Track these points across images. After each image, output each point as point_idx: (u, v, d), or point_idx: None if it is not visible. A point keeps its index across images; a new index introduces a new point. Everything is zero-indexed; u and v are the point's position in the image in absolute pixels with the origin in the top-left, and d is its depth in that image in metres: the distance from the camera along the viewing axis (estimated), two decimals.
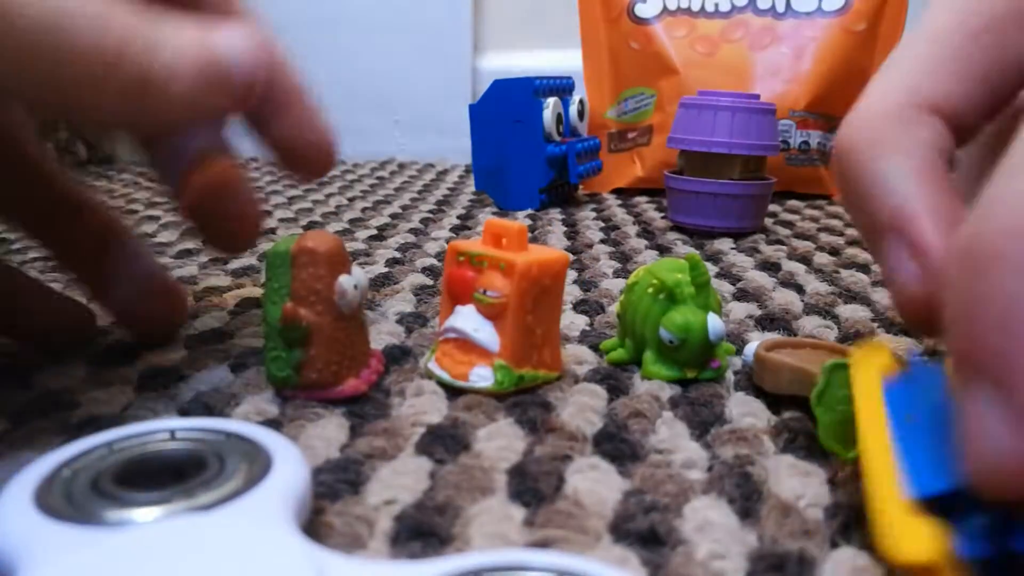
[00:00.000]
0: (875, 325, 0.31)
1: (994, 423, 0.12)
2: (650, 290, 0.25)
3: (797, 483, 0.19)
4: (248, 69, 0.20)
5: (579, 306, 0.33)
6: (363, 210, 0.57)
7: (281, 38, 0.23)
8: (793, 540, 0.17)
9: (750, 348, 0.25)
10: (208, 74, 0.19)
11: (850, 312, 0.32)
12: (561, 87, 0.60)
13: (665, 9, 0.67)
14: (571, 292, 0.35)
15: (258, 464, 0.16)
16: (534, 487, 0.19)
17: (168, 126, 0.21)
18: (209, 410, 0.23)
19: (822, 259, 0.43)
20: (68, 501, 0.15)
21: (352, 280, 0.23)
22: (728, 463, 0.20)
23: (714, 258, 0.43)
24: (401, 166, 0.84)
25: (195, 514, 0.14)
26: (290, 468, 0.16)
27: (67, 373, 0.25)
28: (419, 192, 0.66)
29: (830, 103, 0.63)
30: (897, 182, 0.16)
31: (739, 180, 0.47)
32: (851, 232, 0.51)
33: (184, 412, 0.23)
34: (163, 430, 0.17)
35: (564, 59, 0.83)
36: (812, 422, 0.20)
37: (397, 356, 0.27)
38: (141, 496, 0.15)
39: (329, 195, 0.64)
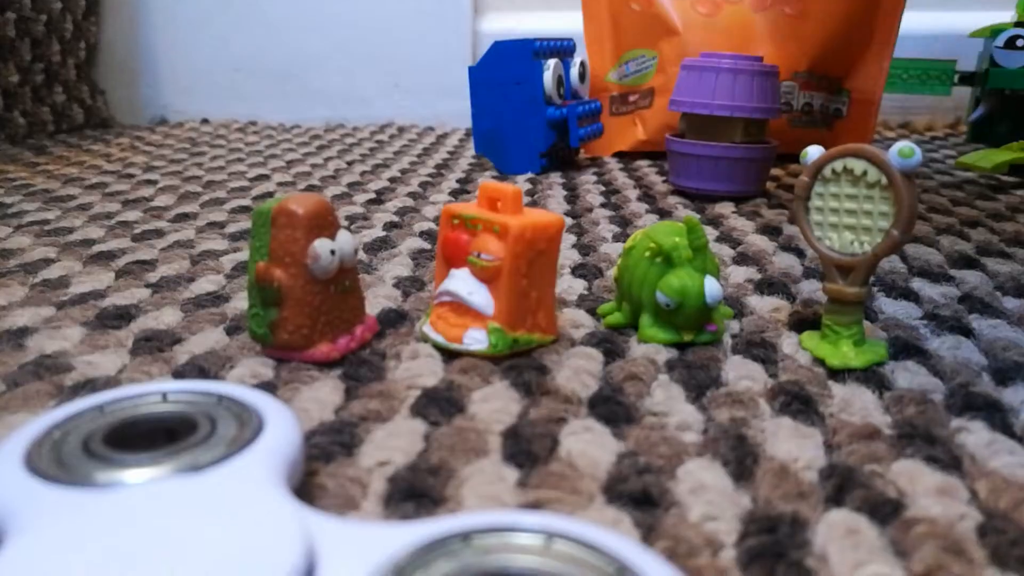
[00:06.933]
0: (876, 289, 0.30)
1: None
2: (647, 253, 0.24)
3: (793, 446, 0.19)
4: None
5: (577, 270, 0.33)
6: (362, 174, 0.56)
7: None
8: (787, 502, 0.17)
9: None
10: None
11: None
12: (562, 49, 0.59)
13: None
14: (570, 256, 0.35)
15: (249, 426, 0.16)
16: (528, 449, 0.19)
17: None
18: (204, 373, 0.23)
19: None
20: (58, 463, 0.15)
21: (329, 245, 0.22)
22: (723, 426, 0.20)
23: (715, 222, 0.42)
24: (400, 129, 0.83)
25: (185, 476, 0.14)
26: (281, 430, 0.16)
27: (62, 336, 0.25)
28: (418, 156, 0.65)
29: (833, 65, 0.62)
30: None
31: (741, 143, 0.47)
32: None
33: (179, 375, 0.23)
34: (155, 392, 0.17)
35: (565, 21, 0.81)
36: None
37: (393, 320, 0.27)
38: (131, 458, 0.15)
39: (328, 159, 0.63)
